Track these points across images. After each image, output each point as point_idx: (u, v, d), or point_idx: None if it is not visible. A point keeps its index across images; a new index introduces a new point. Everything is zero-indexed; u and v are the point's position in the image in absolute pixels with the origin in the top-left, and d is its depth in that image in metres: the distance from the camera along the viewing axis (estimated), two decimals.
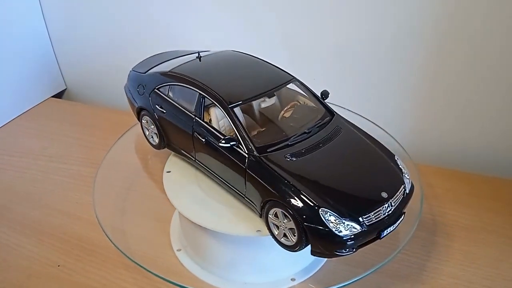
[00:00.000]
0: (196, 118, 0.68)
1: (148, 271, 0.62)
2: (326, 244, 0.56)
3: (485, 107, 0.93)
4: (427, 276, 0.70)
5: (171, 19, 1.07)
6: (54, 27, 1.21)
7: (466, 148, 0.98)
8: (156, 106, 0.74)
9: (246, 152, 0.61)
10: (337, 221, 0.55)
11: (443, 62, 0.90)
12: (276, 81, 0.70)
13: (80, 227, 0.79)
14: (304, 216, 0.55)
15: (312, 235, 0.55)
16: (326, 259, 0.71)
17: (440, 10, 0.85)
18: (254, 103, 0.70)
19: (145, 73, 0.78)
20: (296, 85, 0.72)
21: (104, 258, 0.72)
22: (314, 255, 0.58)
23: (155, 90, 0.74)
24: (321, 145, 0.63)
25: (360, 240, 0.56)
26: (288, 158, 0.60)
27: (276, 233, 0.59)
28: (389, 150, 0.66)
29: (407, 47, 0.91)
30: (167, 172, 0.73)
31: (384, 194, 0.58)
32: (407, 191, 0.62)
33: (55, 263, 0.72)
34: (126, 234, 0.75)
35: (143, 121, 0.79)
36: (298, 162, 0.60)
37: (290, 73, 0.72)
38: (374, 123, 0.92)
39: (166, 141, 0.76)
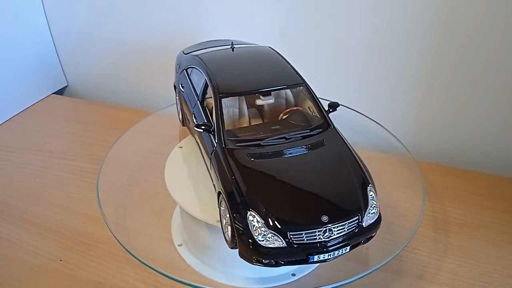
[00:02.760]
0: (198, 101, 0.70)
1: (149, 266, 0.63)
2: (246, 248, 0.54)
3: (484, 105, 0.93)
4: (426, 272, 0.70)
5: (169, 16, 1.07)
6: (55, 23, 1.21)
7: (466, 146, 0.99)
8: (180, 84, 0.79)
9: (216, 141, 0.63)
10: (261, 229, 0.53)
11: (441, 59, 0.91)
12: (279, 82, 0.70)
13: (80, 222, 0.79)
14: (235, 215, 0.55)
15: (238, 236, 0.54)
16: None
17: (438, 7, 0.85)
18: (257, 99, 0.71)
19: (186, 54, 0.82)
20: (302, 91, 0.72)
21: (105, 253, 0.73)
22: (240, 257, 0.56)
23: (184, 70, 0.79)
24: (291, 153, 0.62)
25: (284, 256, 0.54)
26: (249, 157, 0.60)
27: (222, 225, 0.59)
28: (367, 179, 0.60)
29: (405, 45, 0.92)
30: (169, 167, 0.73)
31: (325, 218, 0.54)
32: (365, 224, 0.56)
33: (57, 257, 0.72)
34: (127, 229, 0.75)
35: (176, 97, 0.85)
36: (256, 163, 0.60)
37: (303, 79, 0.70)
38: (376, 122, 0.93)
39: (182, 118, 0.81)
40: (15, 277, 0.69)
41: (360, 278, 0.62)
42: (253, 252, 0.54)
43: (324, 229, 0.53)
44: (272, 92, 0.72)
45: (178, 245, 0.73)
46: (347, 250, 0.56)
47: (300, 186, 0.58)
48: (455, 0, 0.84)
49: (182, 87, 0.79)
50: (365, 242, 0.58)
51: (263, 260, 0.54)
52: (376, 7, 0.90)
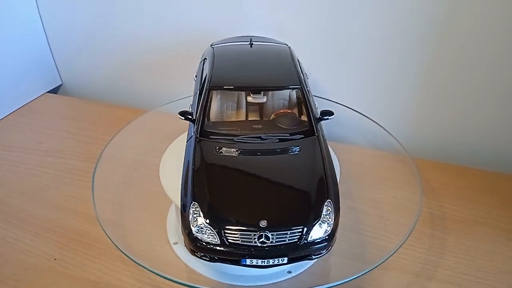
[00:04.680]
0: (198, 91, 0.72)
1: (143, 267, 0.62)
2: (185, 238, 0.55)
3: (481, 102, 0.93)
4: (422, 268, 0.70)
5: (165, 13, 1.07)
6: (49, 22, 1.20)
7: (462, 142, 0.99)
8: (195, 75, 0.80)
9: (194, 130, 0.65)
10: (199, 222, 0.54)
11: (440, 58, 0.91)
12: (275, 82, 0.70)
13: (76, 221, 0.79)
14: (182, 203, 0.56)
15: (181, 224, 0.55)
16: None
17: (437, 6, 0.85)
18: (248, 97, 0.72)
19: (210, 46, 0.83)
20: (297, 94, 0.72)
21: (100, 251, 0.72)
22: (185, 246, 0.57)
23: (202, 61, 0.80)
24: (259, 153, 0.62)
25: (217, 253, 0.54)
26: (217, 150, 0.61)
27: None
28: (327, 193, 0.57)
29: (403, 44, 0.91)
30: (164, 165, 0.73)
31: (263, 223, 0.53)
32: (310, 239, 0.54)
33: (52, 256, 0.72)
34: (123, 228, 0.75)
35: None
36: (220, 157, 0.61)
37: (302, 82, 0.69)
38: (371, 119, 0.93)
39: None
40: (11, 276, 0.68)
41: (357, 277, 0.62)
42: (190, 243, 0.55)
43: (260, 234, 0.53)
44: (272, 92, 0.73)
45: (174, 243, 0.73)
46: (285, 261, 0.54)
47: (251, 187, 0.58)
48: (455, 1, 0.84)
49: (196, 77, 0.80)
50: (313, 257, 0.56)
51: (198, 253, 0.55)
52: (376, 5, 0.89)
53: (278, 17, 0.98)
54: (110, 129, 0.92)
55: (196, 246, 0.54)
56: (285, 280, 0.67)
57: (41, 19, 1.20)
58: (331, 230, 0.55)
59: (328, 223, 0.55)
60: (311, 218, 0.55)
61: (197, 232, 0.54)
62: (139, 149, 0.94)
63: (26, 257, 0.72)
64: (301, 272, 0.68)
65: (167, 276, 0.61)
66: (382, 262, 0.63)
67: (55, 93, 1.30)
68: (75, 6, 1.15)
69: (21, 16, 1.16)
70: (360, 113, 0.95)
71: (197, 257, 0.55)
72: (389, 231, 0.75)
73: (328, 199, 0.56)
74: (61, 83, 1.31)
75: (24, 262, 0.71)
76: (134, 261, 0.63)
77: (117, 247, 0.64)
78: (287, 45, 0.84)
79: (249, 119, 0.72)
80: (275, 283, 0.66)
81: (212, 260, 0.55)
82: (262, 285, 0.66)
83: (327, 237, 0.55)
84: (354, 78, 1.00)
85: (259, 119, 0.72)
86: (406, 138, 0.90)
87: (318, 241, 0.55)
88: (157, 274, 0.62)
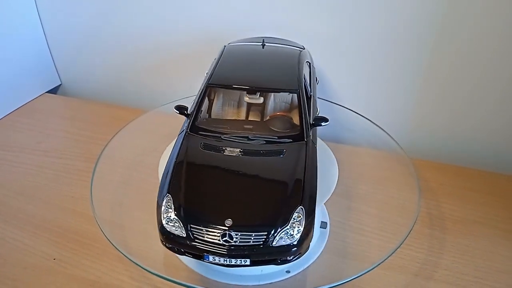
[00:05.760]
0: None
1: (140, 266, 0.63)
2: (158, 228, 0.56)
3: (480, 102, 0.93)
4: (420, 268, 0.70)
5: (164, 13, 1.07)
6: (48, 22, 1.21)
7: (460, 142, 0.99)
8: (207, 72, 0.79)
9: (187, 124, 0.67)
10: (169, 214, 0.55)
11: (437, 57, 0.91)
12: (273, 85, 0.70)
13: (75, 221, 0.79)
14: (159, 193, 0.57)
15: (156, 213, 0.57)
16: (321, 251, 0.72)
17: (437, 5, 0.85)
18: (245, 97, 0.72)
19: (225, 45, 0.84)
20: (293, 98, 0.72)
21: (99, 251, 0.72)
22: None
23: (214, 59, 0.80)
24: (242, 153, 0.62)
25: (183, 246, 0.55)
26: (202, 146, 0.63)
27: None
28: (301, 200, 0.56)
29: (402, 43, 0.92)
30: (162, 164, 0.73)
31: (228, 222, 0.53)
32: (275, 244, 0.53)
33: (51, 256, 0.72)
34: (122, 228, 0.75)
35: None
36: (203, 153, 0.62)
37: (301, 87, 0.69)
38: (369, 119, 0.93)
39: None
40: (10, 276, 0.68)
41: (358, 277, 0.62)
42: (160, 233, 0.56)
43: (224, 232, 0.53)
44: (275, 94, 0.73)
45: None
46: (247, 263, 0.54)
47: (225, 185, 0.58)
48: (453, 1, 0.84)
49: (206, 74, 0.80)
50: (279, 263, 0.55)
51: (167, 244, 0.56)
52: (375, 5, 0.89)
53: (280, 19, 0.98)
54: (109, 129, 0.92)
55: (166, 238, 0.56)
56: (283, 280, 0.67)
57: (40, 19, 1.20)
58: (300, 237, 0.54)
59: (297, 230, 0.54)
60: (278, 223, 0.54)
61: (167, 224, 0.55)
62: (138, 149, 0.94)
63: (25, 256, 0.72)
64: (299, 272, 0.68)
65: (165, 276, 0.62)
66: (382, 262, 0.63)
67: (54, 93, 1.30)
68: (74, 6, 1.15)
69: (20, 16, 1.16)
70: (359, 114, 0.95)
71: (167, 248, 0.57)
72: (388, 231, 0.76)
73: (300, 205, 0.55)
74: (60, 83, 1.31)
75: (23, 262, 0.71)
76: (132, 261, 0.63)
77: (114, 246, 0.65)
78: (303, 48, 0.84)
79: (249, 119, 0.73)
80: (273, 283, 0.66)
81: (179, 252, 0.56)
82: (260, 285, 0.66)
83: (295, 243, 0.54)
84: (353, 79, 1.00)
85: (258, 119, 0.73)
86: (405, 138, 0.90)
87: (284, 247, 0.54)
88: (155, 274, 0.62)
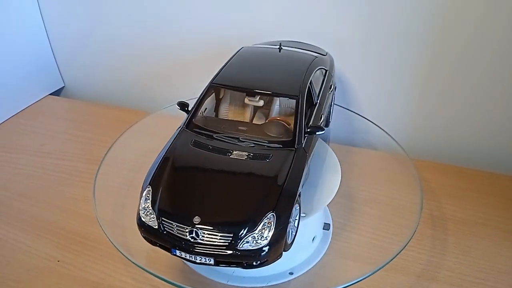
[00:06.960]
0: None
1: (142, 269, 0.63)
2: (136, 218, 0.58)
3: (481, 102, 0.93)
4: (422, 269, 0.70)
5: (167, 16, 1.07)
6: (51, 24, 1.21)
7: (461, 143, 0.99)
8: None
9: (184, 121, 0.68)
10: (146, 205, 0.57)
11: (437, 57, 0.91)
12: (272, 88, 0.69)
13: (78, 223, 0.79)
14: (143, 184, 0.60)
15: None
16: (324, 253, 0.72)
17: (437, 5, 0.85)
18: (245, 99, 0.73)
19: (242, 47, 0.84)
20: (292, 103, 0.71)
21: (102, 253, 0.73)
22: None
23: None
24: (228, 154, 0.62)
25: (155, 237, 0.57)
26: (192, 142, 0.64)
27: None
28: (274, 207, 0.55)
29: (402, 43, 0.92)
30: None
31: (196, 219, 0.54)
32: (240, 247, 0.53)
33: (54, 258, 0.72)
34: (125, 230, 0.75)
35: None
36: (191, 150, 0.63)
37: (303, 94, 0.68)
38: (370, 120, 0.93)
39: None
40: (13, 278, 0.69)
41: (363, 279, 0.62)
42: (137, 224, 0.58)
43: (191, 229, 0.54)
44: (280, 99, 0.74)
45: None
46: (211, 262, 0.54)
47: (204, 184, 0.59)
48: (453, 1, 0.84)
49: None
50: (245, 266, 0.55)
51: (142, 234, 0.58)
52: (374, 4, 0.90)
53: (278, 18, 0.98)
54: (112, 131, 0.92)
55: (141, 228, 0.58)
56: (286, 281, 0.67)
57: (43, 21, 1.21)
58: (268, 244, 0.54)
59: (265, 236, 0.54)
60: (246, 226, 0.54)
61: (143, 215, 0.57)
62: (141, 151, 0.94)
63: (27, 258, 0.72)
64: (302, 274, 0.68)
65: (168, 279, 0.62)
66: (387, 263, 0.63)
67: (58, 95, 1.30)
68: (77, 9, 1.16)
69: (23, 19, 1.16)
70: (359, 115, 0.95)
71: (143, 237, 0.59)
72: (390, 232, 0.76)
73: (272, 212, 0.54)
74: (63, 85, 1.32)
75: (25, 263, 0.71)
76: (134, 263, 0.63)
77: (117, 248, 0.65)
78: (325, 54, 0.85)
79: (254, 122, 0.73)
80: (276, 284, 0.67)
81: (152, 243, 0.58)
82: (262, 287, 0.66)
83: (261, 249, 0.53)
84: (353, 80, 1.00)
85: (259, 123, 0.73)
86: (406, 139, 0.90)
87: (249, 251, 0.53)
88: (158, 277, 0.62)
